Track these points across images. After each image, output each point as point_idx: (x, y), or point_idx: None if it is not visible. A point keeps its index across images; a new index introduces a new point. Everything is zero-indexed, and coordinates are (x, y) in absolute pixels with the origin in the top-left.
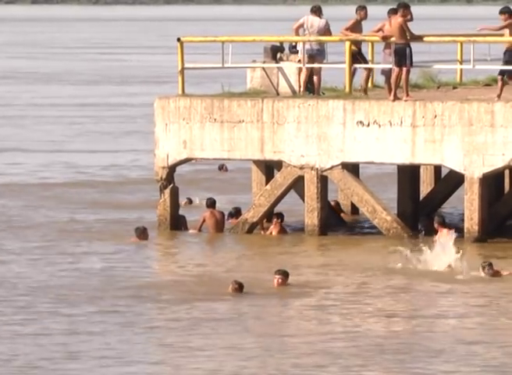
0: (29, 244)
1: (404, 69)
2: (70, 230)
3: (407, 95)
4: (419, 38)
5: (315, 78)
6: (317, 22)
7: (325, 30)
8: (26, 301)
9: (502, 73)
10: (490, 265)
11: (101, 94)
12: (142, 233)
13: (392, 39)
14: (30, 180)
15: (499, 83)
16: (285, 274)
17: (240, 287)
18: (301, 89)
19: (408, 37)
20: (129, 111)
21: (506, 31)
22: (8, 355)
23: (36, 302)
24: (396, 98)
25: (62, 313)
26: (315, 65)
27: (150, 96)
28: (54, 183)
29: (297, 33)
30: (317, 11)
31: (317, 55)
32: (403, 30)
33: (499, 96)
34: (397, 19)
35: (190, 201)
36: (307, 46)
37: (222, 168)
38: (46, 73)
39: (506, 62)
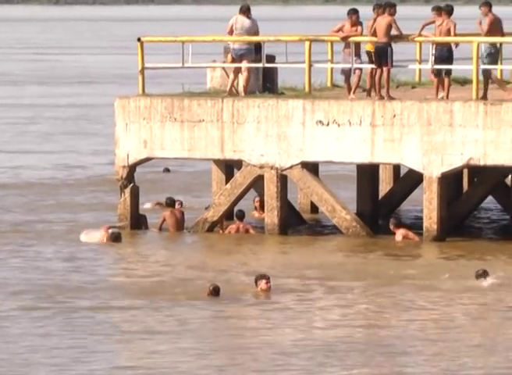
0: None
1: (385, 68)
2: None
3: (388, 94)
4: (405, 37)
5: (245, 76)
6: (245, 22)
7: (254, 30)
8: None
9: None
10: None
11: (31, 94)
12: (116, 238)
13: (359, 39)
14: None
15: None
16: (268, 277)
17: (215, 291)
18: (227, 89)
19: (399, 35)
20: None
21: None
22: None
23: None
24: (380, 97)
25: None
26: (277, 65)
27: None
28: None
29: (231, 35)
30: (246, 11)
31: (245, 54)
32: (390, 28)
33: (437, 95)
34: (385, 17)
35: (159, 204)
36: (236, 46)
37: (166, 170)
38: None
39: (437, 59)
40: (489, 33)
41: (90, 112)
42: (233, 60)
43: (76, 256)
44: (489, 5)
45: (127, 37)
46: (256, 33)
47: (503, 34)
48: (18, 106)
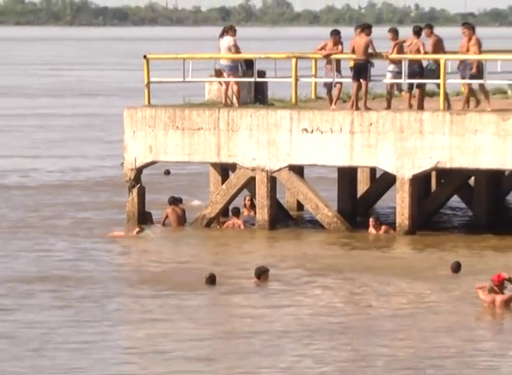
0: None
1: (363, 82)
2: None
3: (366, 105)
4: (380, 55)
5: (235, 89)
6: (221, 42)
7: (229, 47)
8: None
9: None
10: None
11: (41, 105)
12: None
13: (340, 56)
14: None
15: (408, 95)
16: (268, 269)
17: (211, 279)
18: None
19: (374, 53)
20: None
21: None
22: None
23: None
24: (357, 108)
25: None
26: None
27: (91, 107)
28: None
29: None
30: (223, 32)
31: (227, 70)
32: (367, 47)
33: (410, 106)
34: (363, 37)
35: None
36: (223, 62)
37: (167, 173)
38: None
39: (409, 74)
40: (434, 52)
41: (95, 121)
42: (221, 74)
43: (83, 249)
44: (431, 27)
45: (130, 54)
46: (230, 47)
47: (444, 52)
48: (30, 115)
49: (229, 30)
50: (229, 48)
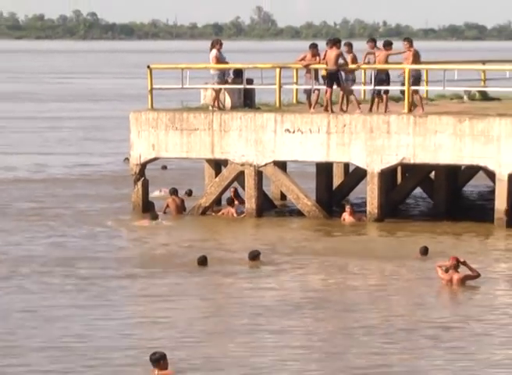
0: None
1: (338, 88)
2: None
3: (342, 109)
4: (347, 65)
5: (214, 94)
6: (210, 54)
7: (211, 57)
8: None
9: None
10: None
11: (51, 109)
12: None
13: (317, 66)
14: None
15: (376, 100)
16: (260, 253)
17: (203, 261)
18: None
19: (344, 62)
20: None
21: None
22: None
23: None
24: (332, 110)
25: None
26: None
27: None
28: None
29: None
30: (211, 46)
31: (216, 77)
32: (338, 58)
33: (370, 110)
34: (334, 50)
35: (190, 193)
36: (211, 71)
37: (163, 168)
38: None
39: (377, 81)
40: (413, 62)
41: (100, 123)
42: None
43: (90, 235)
44: (410, 41)
45: (132, 64)
46: (212, 58)
47: (420, 63)
48: (41, 118)
49: (216, 44)
50: (211, 59)
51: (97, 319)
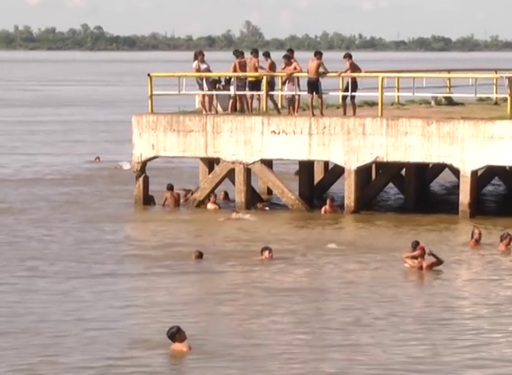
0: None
1: (317, 95)
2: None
3: (322, 113)
4: (328, 73)
5: (201, 99)
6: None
7: (192, 70)
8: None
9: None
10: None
11: (44, 114)
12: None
13: (300, 74)
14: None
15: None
16: (271, 249)
17: (200, 255)
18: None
19: (324, 72)
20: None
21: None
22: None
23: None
24: (313, 114)
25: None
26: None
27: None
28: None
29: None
30: (194, 57)
31: (198, 85)
32: (318, 68)
33: (345, 113)
34: (315, 61)
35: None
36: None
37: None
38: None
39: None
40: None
41: (101, 126)
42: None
43: (88, 230)
44: (350, 56)
45: (128, 73)
46: (192, 69)
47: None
48: (34, 122)
49: (199, 54)
50: (192, 69)
51: (99, 297)
